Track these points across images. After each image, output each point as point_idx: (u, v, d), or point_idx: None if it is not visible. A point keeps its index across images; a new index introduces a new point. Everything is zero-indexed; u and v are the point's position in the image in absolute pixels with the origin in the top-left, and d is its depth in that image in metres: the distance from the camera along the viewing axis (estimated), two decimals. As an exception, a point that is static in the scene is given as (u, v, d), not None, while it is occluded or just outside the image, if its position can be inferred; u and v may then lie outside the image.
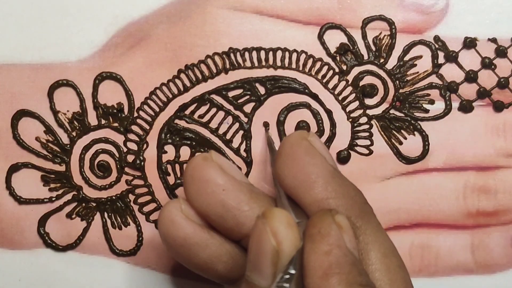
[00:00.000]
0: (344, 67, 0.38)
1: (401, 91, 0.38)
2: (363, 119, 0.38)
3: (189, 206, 0.31)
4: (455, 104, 0.38)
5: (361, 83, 0.38)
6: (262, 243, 0.26)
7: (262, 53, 0.38)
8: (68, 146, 0.37)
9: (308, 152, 0.30)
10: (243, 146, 0.38)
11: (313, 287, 0.25)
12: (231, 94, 0.38)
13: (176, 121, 0.38)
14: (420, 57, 0.38)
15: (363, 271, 0.27)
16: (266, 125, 0.37)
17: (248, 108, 0.38)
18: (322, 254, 0.26)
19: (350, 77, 0.38)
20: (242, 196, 0.30)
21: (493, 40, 0.38)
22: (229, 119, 0.38)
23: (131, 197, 0.38)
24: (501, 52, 0.38)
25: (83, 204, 0.38)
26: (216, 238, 0.30)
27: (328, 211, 0.27)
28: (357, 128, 0.38)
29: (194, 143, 0.38)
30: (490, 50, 0.38)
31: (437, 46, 0.38)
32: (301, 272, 0.26)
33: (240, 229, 0.30)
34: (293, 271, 0.25)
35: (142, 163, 0.37)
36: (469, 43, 0.38)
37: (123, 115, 0.38)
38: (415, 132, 0.38)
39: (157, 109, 0.38)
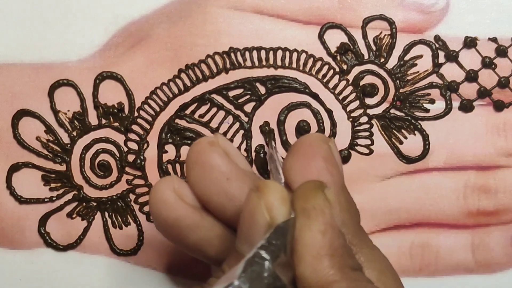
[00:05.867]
0: (345, 67, 0.38)
1: (401, 90, 0.38)
2: (364, 119, 0.38)
3: (183, 185, 0.29)
4: (456, 104, 0.38)
5: (362, 83, 0.38)
6: (255, 217, 0.26)
7: (263, 53, 0.38)
8: (69, 145, 0.37)
9: (327, 158, 0.29)
10: (243, 146, 0.38)
11: (304, 265, 0.25)
12: (231, 93, 0.38)
13: (177, 120, 0.38)
14: (420, 56, 0.38)
15: (352, 253, 0.27)
16: (268, 141, 0.37)
17: (248, 107, 0.38)
18: (317, 233, 0.25)
19: (351, 77, 0.38)
20: (246, 187, 0.28)
21: (494, 40, 0.38)
22: (230, 118, 0.38)
23: (132, 196, 0.38)
24: (501, 51, 0.38)
25: (84, 204, 0.38)
26: (207, 220, 0.29)
27: (319, 185, 0.27)
28: (357, 128, 0.38)
29: (194, 143, 0.38)
30: (490, 50, 0.38)
31: (437, 45, 0.38)
32: (283, 242, 0.25)
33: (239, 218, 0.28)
34: (274, 241, 0.25)
35: (143, 162, 0.37)
36: (470, 43, 0.38)
37: (124, 115, 0.38)
38: (416, 132, 0.38)
39: (158, 109, 0.38)
